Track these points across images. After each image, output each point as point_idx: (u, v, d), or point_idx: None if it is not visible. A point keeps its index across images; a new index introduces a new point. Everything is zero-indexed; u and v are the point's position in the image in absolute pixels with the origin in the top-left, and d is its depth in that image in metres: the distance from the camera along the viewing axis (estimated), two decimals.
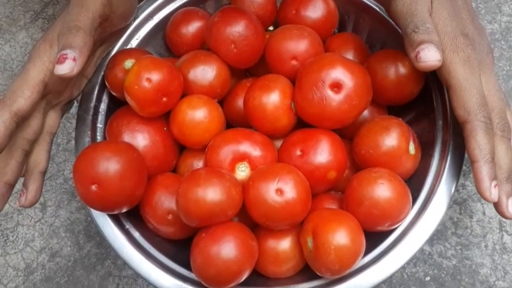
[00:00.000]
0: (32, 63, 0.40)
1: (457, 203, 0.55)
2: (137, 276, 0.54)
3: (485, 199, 0.36)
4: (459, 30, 0.39)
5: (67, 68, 0.37)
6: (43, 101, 0.42)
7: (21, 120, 0.39)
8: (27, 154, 0.42)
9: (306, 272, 0.41)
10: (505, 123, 0.38)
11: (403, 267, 0.53)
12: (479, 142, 0.36)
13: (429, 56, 0.36)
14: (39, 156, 0.43)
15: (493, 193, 0.36)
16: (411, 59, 0.37)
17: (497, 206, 0.37)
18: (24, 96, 0.39)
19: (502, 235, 0.53)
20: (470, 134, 0.37)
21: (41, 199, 0.59)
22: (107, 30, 0.45)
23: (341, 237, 0.37)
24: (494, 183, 0.36)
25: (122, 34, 0.49)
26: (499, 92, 0.39)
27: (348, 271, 0.38)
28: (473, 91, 0.37)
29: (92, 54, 0.46)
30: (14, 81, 0.40)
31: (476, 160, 0.36)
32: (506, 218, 0.37)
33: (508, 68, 0.61)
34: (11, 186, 0.41)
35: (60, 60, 0.37)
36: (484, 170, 0.36)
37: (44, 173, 0.43)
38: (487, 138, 0.36)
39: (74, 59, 0.37)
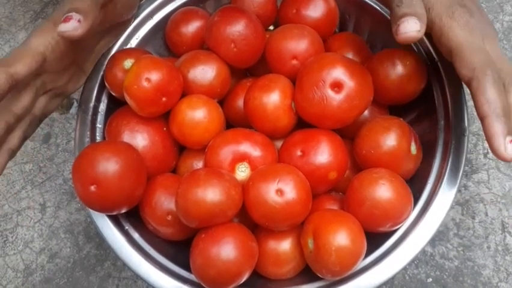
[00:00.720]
0: (35, 37, 0.40)
1: (459, 203, 0.55)
2: (136, 277, 0.54)
3: (499, 157, 0.33)
4: (456, 2, 0.38)
5: (70, 26, 0.37)
6: (38, 79, 0.42)
7: (14, 85, 0.38)
8: (9, 130, 0.40)
9: (307, 273, 0.40)
10: None
11: (405, 269, 0.52)
12: (487, 96, 0.33)
13: (408, 27, 0.35)
14: (14, 134, 0.41)
15: (508, 149, 0.32)
16: (393, 34, 0.36)
17: None
18: (22, 62, 0.38)
19: (505, 236, 0.53)
20: (477, 89, 0.34)
21: (41, 200, 0.59)
22: (110, 17, 0.44)
23: (341, 238, 0.36)
24: (508, 138, 0.33)
25: (122, 32, 0.49)
26: (505, 58, 0.37)
27: (349, 272, 0.38)
28: (475, 49, 0.35)
29: (94, 36, 0.45)
30: (14, 49, 0.39)
31: (486, 115, 0.33)
32: None
33: None
34: None
35: (66, 20, 0.38)
36: (495, 125, 0.33)
37: (13, 151, 0.41)
38: (496, 92, 0.33)
39: (79, 21, 0.38)
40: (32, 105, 0.42)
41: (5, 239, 0.57)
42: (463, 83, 0.40)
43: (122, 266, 0.55)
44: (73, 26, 0.38)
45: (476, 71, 0.34)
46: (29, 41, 0.40)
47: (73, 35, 0.38)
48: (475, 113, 0.36)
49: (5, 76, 0.37)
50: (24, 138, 0.43)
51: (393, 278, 0.51)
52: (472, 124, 0.58)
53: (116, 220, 0.43)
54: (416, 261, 0.53)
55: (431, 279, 0.52)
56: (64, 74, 0.44)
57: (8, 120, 0.40)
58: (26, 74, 0.39)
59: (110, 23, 0.45)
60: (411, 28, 0.35)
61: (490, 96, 0.33)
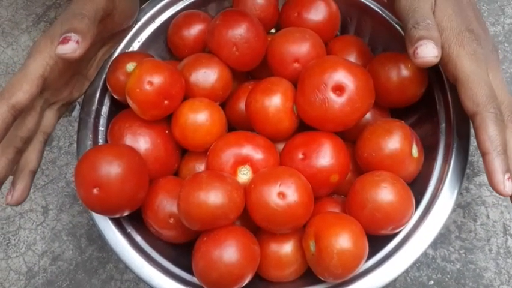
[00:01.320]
0: (33, 58, 0.39)
1: (461, 206, 0.55)
2: (139, 280, 0.54)
3: (498, 193, 0.35)
4: (464, 26, 0.38)
5: (69, 48, 0.37)
6: (41, 98, 0.42)
7: (18, 114, 0.38)
8: (19, 152, 0.41)
9: (309, 276, 0.40)
10: None
11: (406, 271, 0.52)
12: (489, 133, 0.35)
13: (426, 52, 0.36)
14: (30, 155, 0.42)
15: (507, 186, 0.35)
16: (409, 55, 0.37)
17: None
18: (23, 90, 0.38)
19: (506, 239, 0.53)
20: (480, 125, 0.36)
21: (43, 202, 0.59)
22: (109, 28, 0.44)
23: (343, 241, 0.36)
24: (507, 176, 0.35)
25: (124, 36, 0.49)
26: (506, 87, 0.39)
27: (351, 275, 0.38)
28: (481, 83, 0.36)
29: (95, 45, 0.45)
30: (13, 75, 0.39)
31: (488, 152, 0.35)
32: None
33: None
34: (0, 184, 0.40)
35: (63, 41, 0.37)
36: (496, 162, 0.35)
37: (34, 172, 0.42)
38: (497, 129, 0.35)
39: (78, 42, 0.37)
40: (38, 125, 0.43)
41: (8, 241, 0.57)
42: None
43: (125, 268, 0.55)
44: (72, 47, 0.37)
45: (480, 106, 0.36)
46: (28, 63, 0.39)
47: (71, 56, 0.37)
48: None
49: (7, 109, 0.37)
50: (42, 155, 0.43)
51: (395, 281, 0.51)
52: None
53: (118, 223, 0.43)
54: (417, 264, 0.53)
55: (432, 282, 0.52)
56: (66, 86, 0.45)
57: (16, 145, 0.40)
58: (28, 102, 0.38)
59: (110, 33, 0.46)
60: (429, 53, 0.36)
61: (492, 133, 0.35)
